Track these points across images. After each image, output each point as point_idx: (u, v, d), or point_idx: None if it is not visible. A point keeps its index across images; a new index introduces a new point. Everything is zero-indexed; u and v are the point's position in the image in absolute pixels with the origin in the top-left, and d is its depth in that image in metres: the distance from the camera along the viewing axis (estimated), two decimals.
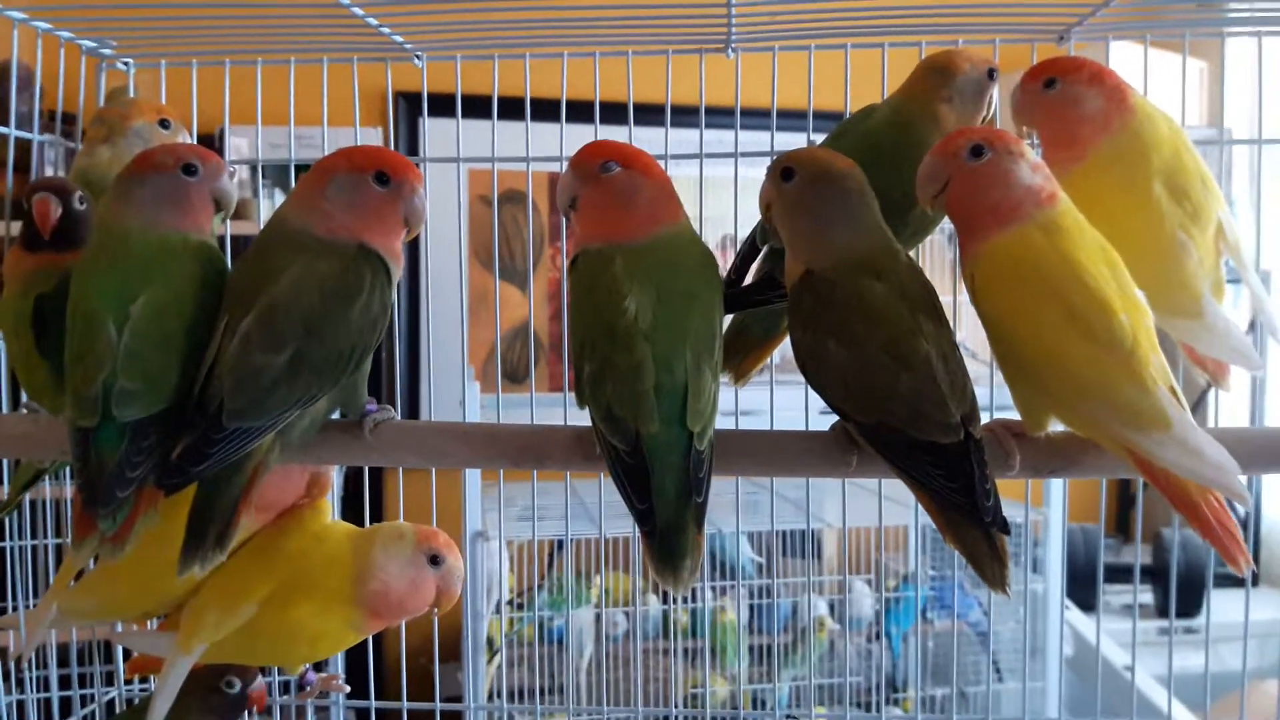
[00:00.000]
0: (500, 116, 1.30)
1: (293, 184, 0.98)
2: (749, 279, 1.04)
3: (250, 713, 1.15)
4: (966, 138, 0.87)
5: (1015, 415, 0.90)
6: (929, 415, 0.82)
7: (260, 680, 1.14)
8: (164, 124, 1.10)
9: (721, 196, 1.30)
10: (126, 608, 1.09)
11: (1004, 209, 0.85)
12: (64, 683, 1.41)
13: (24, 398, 1.04)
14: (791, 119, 1.35)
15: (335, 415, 0.94)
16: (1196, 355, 1.01)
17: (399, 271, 0.92)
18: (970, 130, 0.89)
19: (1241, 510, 1.27)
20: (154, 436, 0.84)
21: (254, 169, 1.50)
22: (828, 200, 0.88)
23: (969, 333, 2.37)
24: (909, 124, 1.00)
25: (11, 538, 1.35)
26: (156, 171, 0.90)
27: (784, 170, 0.89)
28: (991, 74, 1.01)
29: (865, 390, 0.84)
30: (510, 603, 2.47)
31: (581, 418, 0.89)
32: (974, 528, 0.83)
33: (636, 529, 0.84)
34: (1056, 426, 0.89)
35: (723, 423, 0.88)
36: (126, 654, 1.36)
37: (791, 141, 1.36)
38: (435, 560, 1.04)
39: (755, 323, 1.06)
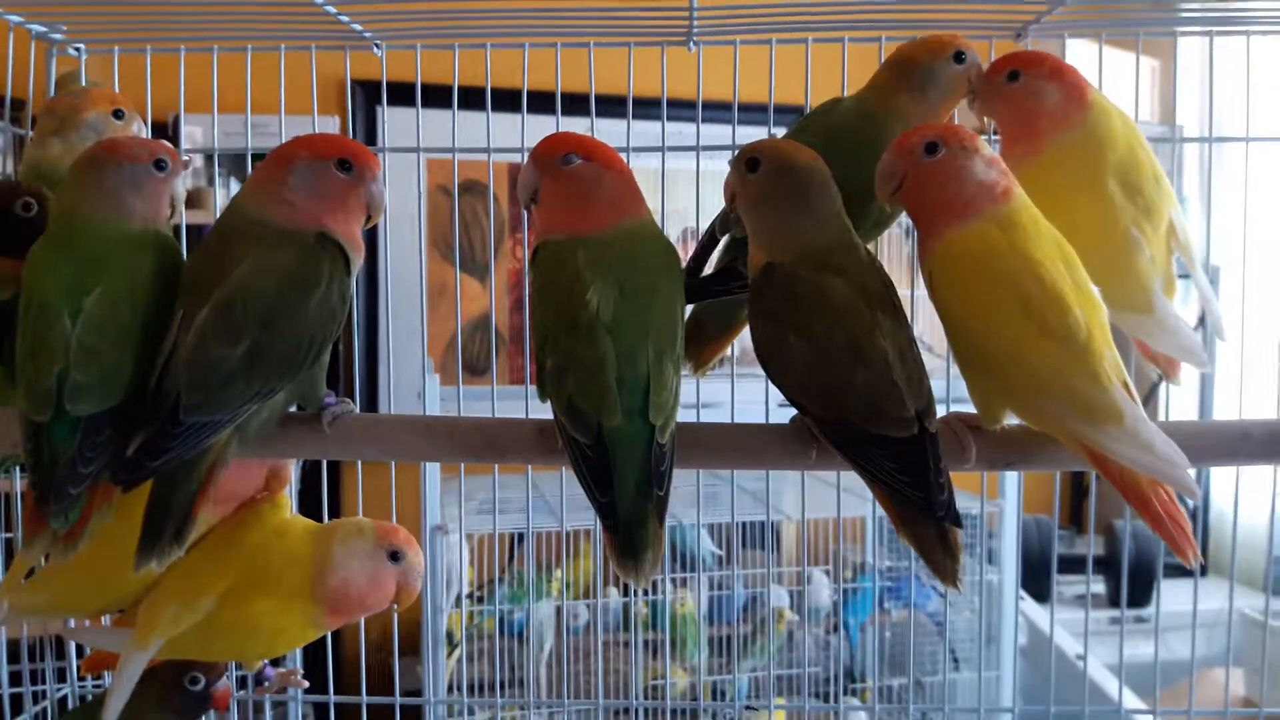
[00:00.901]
0: (460, 106, 1.29)
1: (249, 172, 0.97)
2: (708, 269, 1.04)
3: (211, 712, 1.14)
4: (921, 135, 0.88)
5: (971, 408, 0.91)
6: (884, 410, 0.83)
7: (225, 680, 1.13)
8: (118, 114, 1.08)
9: (683, 189, 1.30)
10: (80, 604, 1.07)
11: (959, 205, 0.87)
12: (14, 679, 1.39)
13: None
14: (753, 112, 1.35)
15: (293, 408, 0.93)
16: (1148, 350, 1.03)
17: (359, 260, 0.91)
18: (925, 128, 0.90)
19: (1191, 503, 1.29)
20: (108, 432, 0.83)
21: (209, 158, 1.48)
22: (791, 192, 0.88)
23: (926, 326, 2.40)
24: (872, 117, 1.00)
25: None
26: (130, 162, 0.89)
27: (749, 161, 0.89)
28: (959, 57, 1.00)
29: (823, 385, 0.85)
30: (470, 596, 2.47)
31: (543, 411, 0.89)
32: (927, 522, 0.84)
33: (597, 521, 0.84)
34: (1012, 420, 0.91)
35: (683, 415, 0.88)
36: (79, 650, 1.34)
37: (753, 135, 1.36)
38: (395, 556, 1.04)
39: (715, 313, 1.06)
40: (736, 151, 0.92)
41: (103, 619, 1.14)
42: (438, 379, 2.15)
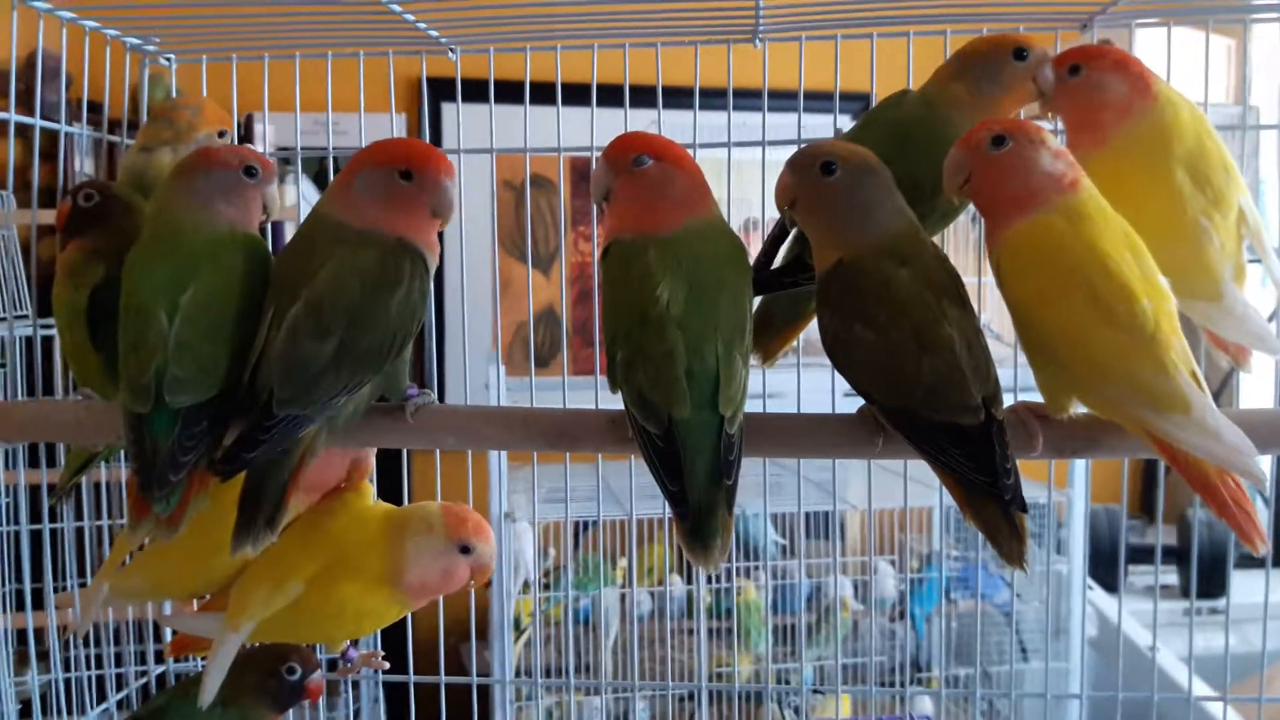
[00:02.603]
0: (530, 103, 1.32)
1: (320, 170, 1.02)
2: (778, 261, 1.06)
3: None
4: (988, 129, 0.89)
5: (1038, 396, 0.92)
6: (951, 398, 0.84)
7: (320, 673, 1.18)
8: (222, 134, 1.14)
9: (747, 179, 1.32)
10: (175, 587, 1.13)
11: (1026, 196, 0.88)
12: (114, 660, 1.45)
13: (73, 384, 1.08)
14: (819, 101, 1.36)
15: (378, 400, 0.97)
16: (1218, 339, 1.03)
17: (435, 260, 0.95)
18: (993, 121, 0.91)
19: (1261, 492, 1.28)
20: (205, 422, 0.88)
21: (285, 159, 1.54)
22: (868, 192, 0.90)
23: (994, 315, 2.38)
24: (936, 112, 1.01)
25: (62, 520, 1.39)
26: (220, 169, 0.94)
27: (825, 165, 0.90)
28: (1020, 54, 1.00)
29: (890, 374, 0.87)
30: (538, 582, 2.51)
31: (612, 400, 0.92)
32: (994, 506, 0.85)
33: (664, 510, 0.87)
34: (1078, 408, 0.91)
35: (750, 406, 0.90)
36: (162, 635, 1.40)
37: (818, 124, 1.38)
38: (466, 549, 1.07)
39: (783, 305, 1.08)
40: (797, 150, 0.94)
41: (193, 603, 1.20)
42: (504, 369, 2.19)
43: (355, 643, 1.22)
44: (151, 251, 0.92)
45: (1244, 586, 1.71)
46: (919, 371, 0.85)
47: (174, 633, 1.21)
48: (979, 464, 0.84)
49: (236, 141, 1.18)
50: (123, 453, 1.23)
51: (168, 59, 1.33)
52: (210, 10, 1.17)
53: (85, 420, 0.99)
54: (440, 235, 0.98)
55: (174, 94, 1.31)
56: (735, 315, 0.89)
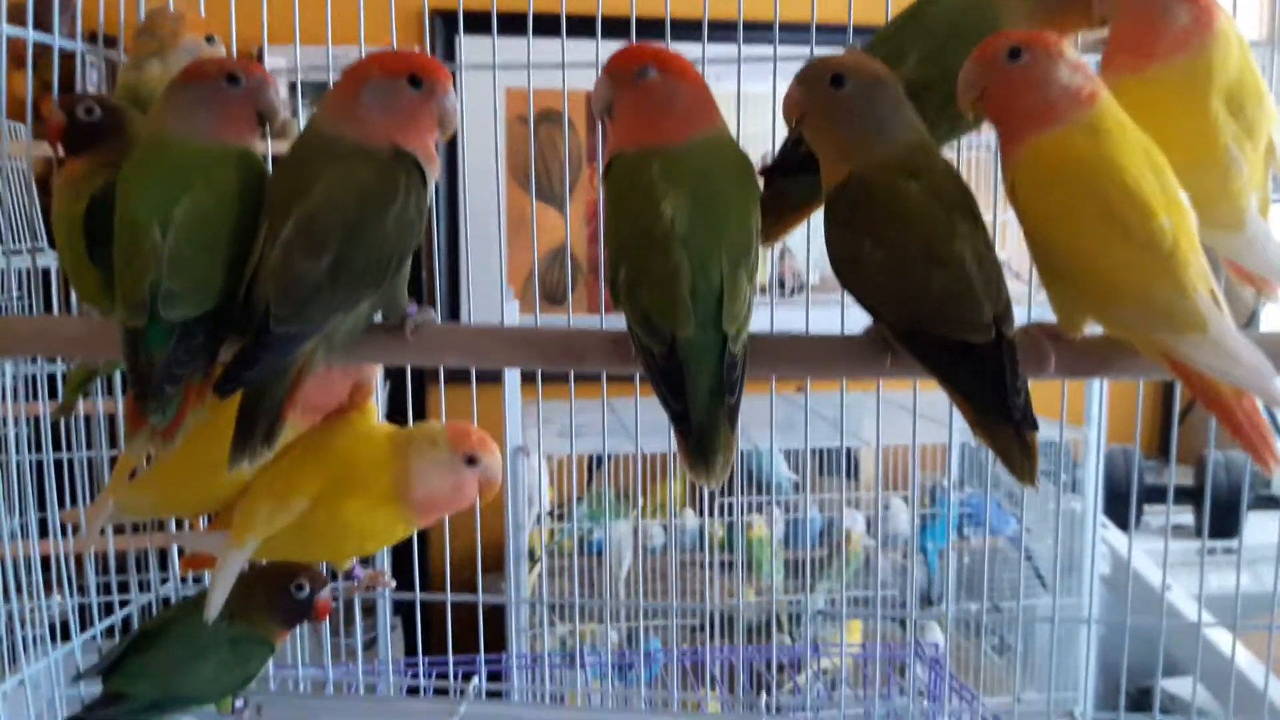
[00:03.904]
0: (536, 32, 1.30)
1: None
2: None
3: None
4: (1004, 40, 0.86)
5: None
6: (961, 315, 0.82)
7: (328, 590, 1.19)
8: (209, 39, 1.12)
9: (760, 114, 1.28)
10: (179, 504, 1.13)
11: (1042, 110, 0.85)
12: (122, 588, 1.47)
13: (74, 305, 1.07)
14: (831, 34, 1.33)
15: (377, 318, 0.96)
16: (1242, 270, 1.00)
17: (435, 174, 0.93)
18: (1009, 33, 0.88)
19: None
20: (201, 336, 0.87)
21: (292, 88, 1.52)
22: (879, 104, 0.88)
23: (1012, 253, 2.35)
24: (991, 10, 0.96)
25: (73, 449, 1.40)
26: (200, 80, 0.92)
27: (834, 77, 0.88)
28: None
29: (899, 290, 0.85)
30: (550, 515, 2.53)
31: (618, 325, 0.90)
32: (1005, 425, 0.84)
33: (672, 443, 0.86)
34: (1093, 329, 0.89)
35: (756, 333, 0.89)
36: (180, 553, 1.41)
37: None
38: (472, 461, 1.07)
39: (795, 188, 1.04)
40: (805, 63, 0.91)
41: (200, 522, 1.21)
42: (516, 305, 2.18)
43: (364, 560, 1.23)
44: (143, 166, 0.91)
45: (1257, 527, 1.70)
46: (929, 287, 0.83)
47: (182, 551, 1.22)
48: (989, 383, 0.82)
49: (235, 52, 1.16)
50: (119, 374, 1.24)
51: None
52: None
53: (87, 334, 0.98)
54: (453, 170, 0.96)
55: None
56: (741, 232, 0.87)
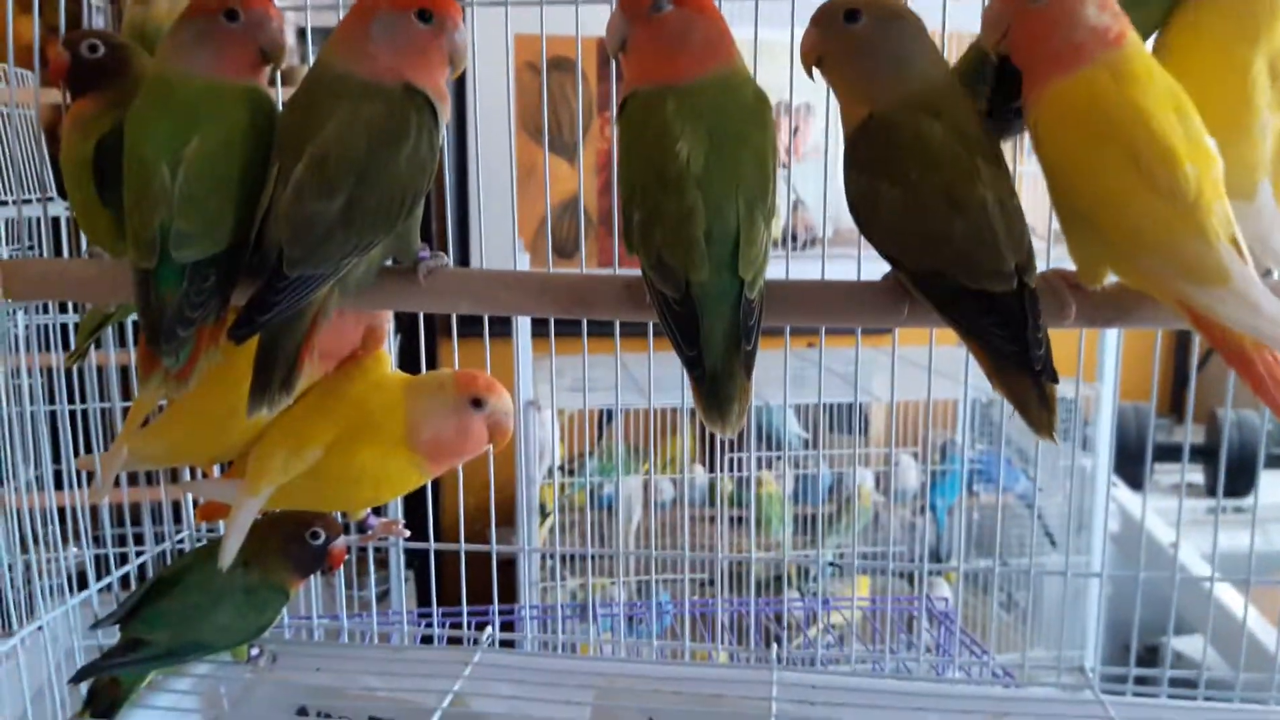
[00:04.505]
0: None
1: None
2: None
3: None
4: None
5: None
6: (983, 262, 0.81)
7: (343, 539, 1.19)
8: None
9: (777, 61, 1.26)
10: (193, 452, 1.13)
11: (1068, 51, 0.83)
12: (137, 540, 1.48)
13: (84, 244, 1.06)
14: None
15: (389, 263, 0.95)
16: None
17: (447, 111, 0.91)
18: None
19: None
20: (213, 277, 0.86)
21: (301, 34, 1.50)
22: (895, 40, 0.86)
23: (1031, 205, 2.32)
24: None
25: (87, 400, 1.40)
26: (199, 16, 0.90)
27: (848, 12, 0.86)
28: None
29: (918, 235, 0.83)
30: (561, 469, 2.53)
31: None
32: (1024, 376, 0.82)
33: (685, 400, 0.85)
34: (1113, 279, 0.88)
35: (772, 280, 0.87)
36: (195, 502, 1.42)
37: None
38: (478, 403, 1.07)
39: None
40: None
41: (214, 470, 1.21)
42: (528, 258, 2.17)
43: (377, 511, 1.23)
44: (150, 105, 0.89)
45: (1268, 486, 1.69)
46: (950, 233, 0.81)
47: (197, 500, 1.22)
48: (1010, 333, 0.81)
49: None
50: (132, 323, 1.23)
51: None
52: None
53: (97, 278, 0.98)
54: (462, 120, 0.94)
55: None
56: (758, 173, 0.86)
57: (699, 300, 0.83)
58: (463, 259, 3.06)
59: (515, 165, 1.29)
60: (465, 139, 2.91)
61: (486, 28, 1.31)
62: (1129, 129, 0.80)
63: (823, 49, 0.88)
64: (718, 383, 0.84)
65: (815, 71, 0.90)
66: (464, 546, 1.36)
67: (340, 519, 1.21)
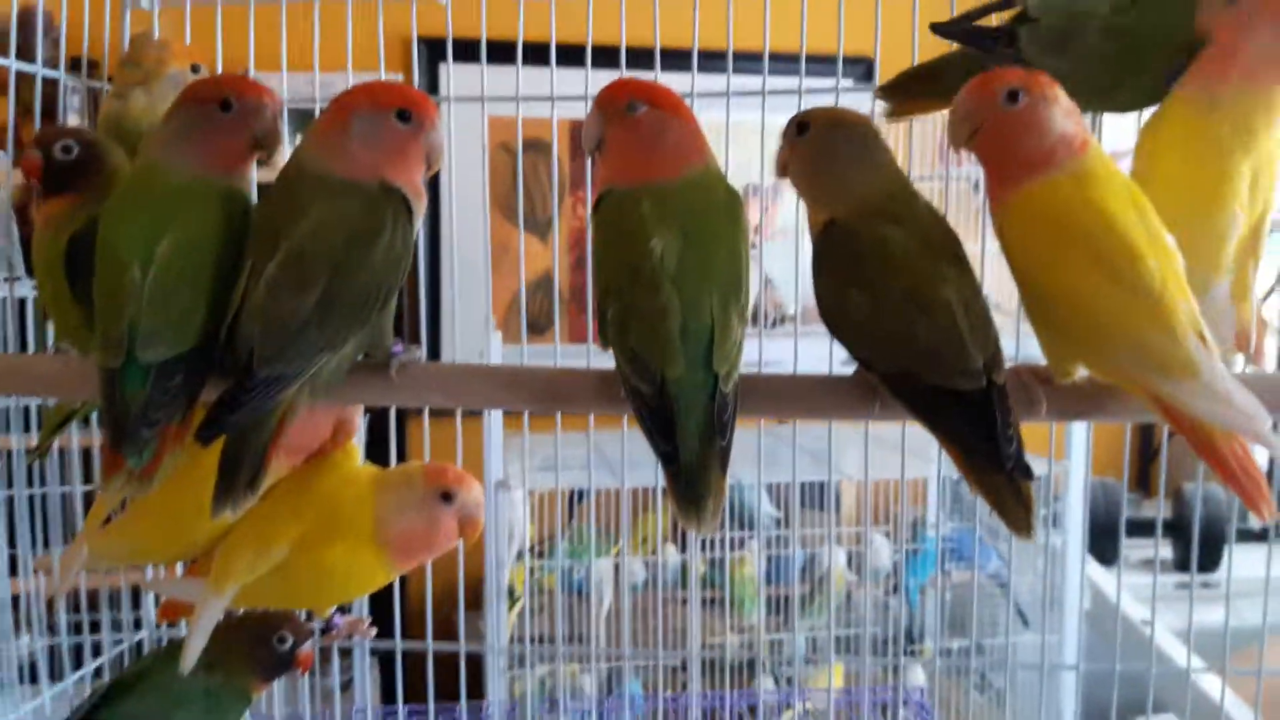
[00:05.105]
0: (524, 61, 1.29)
1: None
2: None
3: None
4: (1002, 81, 0.86)
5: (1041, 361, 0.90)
6: (950, 361, 0.82)
7: (311, 643, 1.15)
8: (195, 69, 1.10)
9: (747, 144, 1.28)
10: (156, 551, 1.10)
11: (1038, 157, 0.84)
12: (94, 627, 1.44)
13: (51, 339, 1.05)
14: (821, 64, 1.33)
15: (361, 357, 0.94)
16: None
17: (422, 208, 0.91)
18: (1006, 73, 0.88)
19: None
20: (180, 377, 0.85)
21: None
22: (844, 147, 0.89)
23: (994, 284, 2.36)
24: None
25: (47, 484, 1.37)
26: (193, 104, 0.90)
27: (799, 125, 0.90)
28: None
29: (886, 337, 0.84)
30: (531, 551, 2.50)
31: (604, 361, 0.89)
32: (998, 474, 0.83)
33: (658, 478, 0.84)
34: (1083, 373, 0.89)
35: (745, 370, 0.87)
36: (156, 597, 1.38)
37: (819, 87, 1.35)
38: (448, 497, 1.05)
39: (950, 75, 1.02)
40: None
41: (177, 568, 1.18)
42: (499, 336, 2.16)
43: (343, 608, 1.20)
44: (127, 199, 0.89)
45: (1237, 561, 1.70)
46: (916, 335, 0.82)
47: (156, 597, 1.19)
48: (980, 431, 0.81)
49: None
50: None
51: (150, 3, 1.29)
52: None
53: (63, 374, 0.96)
54: (435, 200, 0.95)
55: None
56: (732, 269, 0.87)
57: (674, 395, 0.83)
58: (434, 335, 3.06)
59: (489, 244, 1.30)
60: (439, 217, 2.93)
61: (462, 113, 1.33)
62: (1094, 229, 0.82)
63: (785, 158, 0.92)
64: (693, 478, 0.83)
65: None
66: (431, 645, 1.33)
67: (304, 615, 1.18)
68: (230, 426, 0.83)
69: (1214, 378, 0.79)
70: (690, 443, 0.83)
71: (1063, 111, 0.85)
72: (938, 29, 1.00)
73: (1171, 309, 0.81)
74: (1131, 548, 3.13)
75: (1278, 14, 0.91)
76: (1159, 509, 1.31)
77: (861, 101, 1.36)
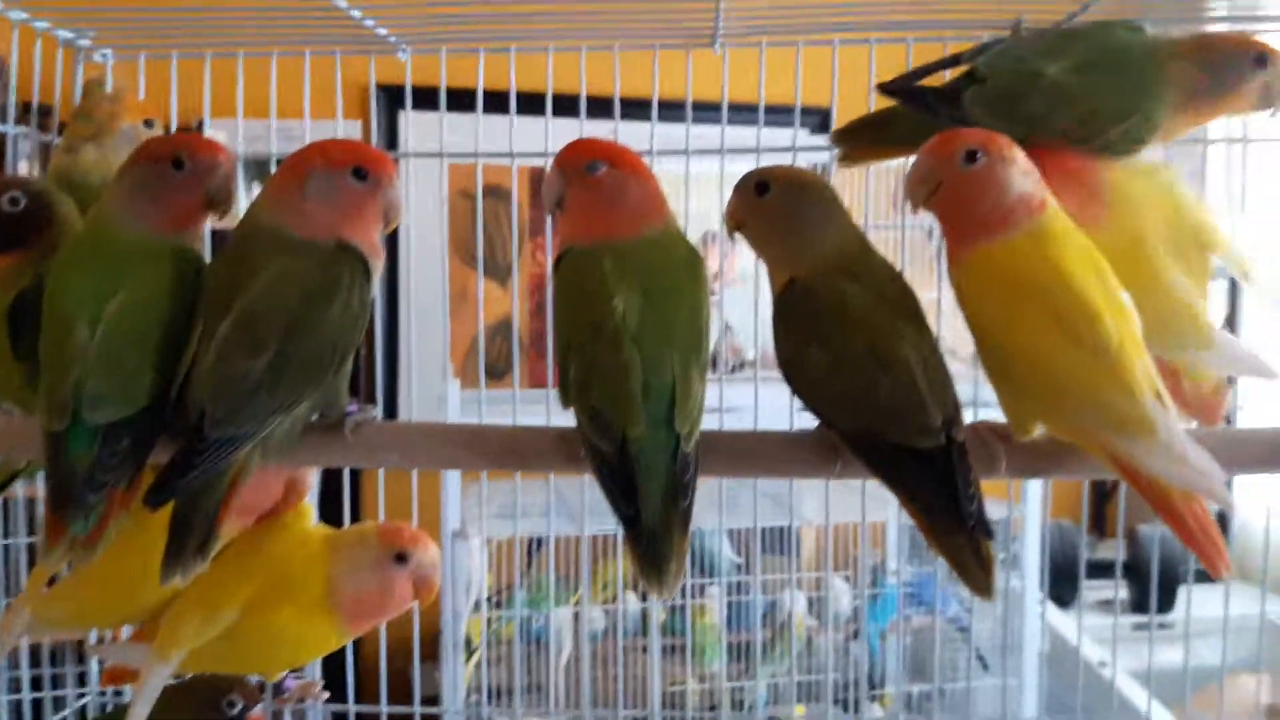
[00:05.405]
0: (484, 110, 1.29)
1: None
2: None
3: None
4: (961, 141, 0.86)
5: (998, 415, 0.90)
6: (910, 419, 0.82)
7: (261, 707, 1.12)
8: (148, 123, 1.08)
9: (706, 192, 1.29)
10: (101, 616, 1.07)
11: (996, 217, 0.85)
12: (35, 685, 1.39)
13: None
14: (778, 114, 1.34)
15: (315, 417, 0.92)
16: (1182, 395, 1.02)
17: (379, 266, 0.90)
18: (965, 133, 0.89)
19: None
20: (127, 441, 0.82)
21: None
22: (805, 208, 0.89)
23: (950, 329, 2.38)
24: (1157, 61, 0.98)
25: None
26: (145, 163, 0.88)
27: (758, 185, 0.90)
28: (1260, 60, 0.97)
29: (846, 395, 0.84)
30: (489, 601, 2.46)
31: (565, 416, 0.88)
32: (958, 532, 0.82)
33: (618, 525, 0.83)
34: (1042, 430, 0.89)
35: (706, 420, 0.87)
36: (101, 662, 1.34)
37: (778, 137, 1.36)
38: (402, 558, 1.03)
39: (904, 123, 1.04)
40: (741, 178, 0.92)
41: (123, 631, 1.14)
42: (458, 383, 2.14)
43: (295, 671, 1.17)
44: (76, 256, 0.87)
45: (1192, 600, 1.72)
46: (876, 394, 0.82)
47: (103, 661, 1.15)
48: (941, 489, 0.81)
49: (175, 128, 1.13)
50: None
51: (103, 55, 1.27)
52: (143, 1, 1.12)
53: (6, 434, 0.93)
54: (394, 245, 0.94)
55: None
56: (692, 328, 0.86)
57: (635, 455, 0.82)
58: (391, 384, 3.03)
59: (448, 289, 1.29)
60: (398, 262, 2.91)
61: (422, 160, 1.32)
62: (1051, 289, 0.83)
63: (741, 217, 0.92)
64: (656, 541, 0.82)
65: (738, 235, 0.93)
66: (385, 709, 1.30)
67: (254, 680, 1.15)
68: (180, 491, 0.81)
69: (1171, 436, 0.80)
70: (652, 504, 0.82)
71: (1021, 171, 0.86)
72: (884, 88, 1.02)
73: (1129, 368, 0.81)
74: (1087, 589, 3.15)
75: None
76: (1118, 550, 1.31)
77: (819, 157, 1.37)
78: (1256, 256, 1.02)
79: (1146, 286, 0.94)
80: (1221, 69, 0.98)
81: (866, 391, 0.82)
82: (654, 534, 0.82)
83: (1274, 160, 1.27)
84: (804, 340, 0.86)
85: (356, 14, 1.12)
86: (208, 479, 0.82)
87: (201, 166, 0.88)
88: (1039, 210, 0.85)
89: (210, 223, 0.95)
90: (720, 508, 1.37)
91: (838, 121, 1.10)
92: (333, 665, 1.27)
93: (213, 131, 1.34)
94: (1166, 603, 2.82)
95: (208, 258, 0.96)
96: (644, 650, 2.46)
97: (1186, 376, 1.04)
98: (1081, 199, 0.96)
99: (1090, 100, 0.93)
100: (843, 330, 0.84)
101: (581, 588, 2.39)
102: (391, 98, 2.76)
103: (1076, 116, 0.96)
